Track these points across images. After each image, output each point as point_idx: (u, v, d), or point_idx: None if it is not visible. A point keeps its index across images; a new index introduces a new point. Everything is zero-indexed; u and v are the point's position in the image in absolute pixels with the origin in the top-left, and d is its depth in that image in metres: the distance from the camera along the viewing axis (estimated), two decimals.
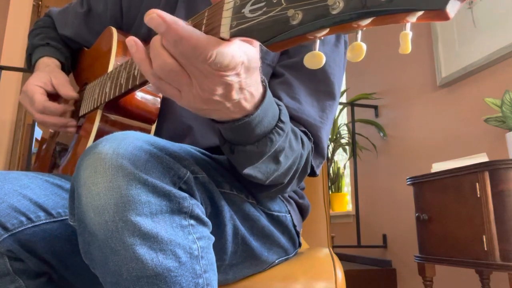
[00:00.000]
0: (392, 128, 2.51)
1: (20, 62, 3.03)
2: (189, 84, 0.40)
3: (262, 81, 0.45)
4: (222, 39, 0.37)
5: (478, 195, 1.27)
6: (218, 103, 0.41)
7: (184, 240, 0.44)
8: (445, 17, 0.27)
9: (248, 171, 0.52)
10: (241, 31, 0.35)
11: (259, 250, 0.64)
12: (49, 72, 0.83)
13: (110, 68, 0.72)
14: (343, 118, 3.15)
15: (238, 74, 0.39)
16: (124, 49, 0.76)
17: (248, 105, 0.43)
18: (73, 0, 0.99)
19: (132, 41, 0.41)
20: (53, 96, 0.82)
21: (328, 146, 2.81)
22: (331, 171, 2.93)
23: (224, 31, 0.37)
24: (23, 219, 0.57)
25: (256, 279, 0.70)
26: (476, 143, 1.84)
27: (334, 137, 2.88)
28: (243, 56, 0.38)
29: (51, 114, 0.79)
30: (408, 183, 1.63)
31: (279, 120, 0.49)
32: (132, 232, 0.41)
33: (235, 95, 0.41)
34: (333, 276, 0.72)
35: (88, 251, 0.44)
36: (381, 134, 2.59)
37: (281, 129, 0.49)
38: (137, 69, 0.56)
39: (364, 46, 0.31)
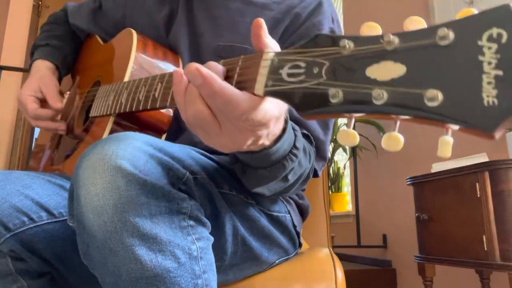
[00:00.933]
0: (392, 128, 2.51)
1: (20, 62, 3.03)
2: (219, 134, 0.39)
3: (285, 118, 0.45)
4: (254, 95, 0.36)
5: (478, 195, 1.27)
6: (245, 148, 0.41)
7: (183, 241, 0.44)
8: (490, 138, 0.26)
9: (257, 190, 0.53)
10: (276, 93, 0.34)
11: (259, 250, 0.64)
12: (38, 80, 0.85)
13: (127, 75, 0.70)
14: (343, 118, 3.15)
15: (268, 127, 0.39)
16: (143, 53, 0.74)
17: (268, 142, 0.43)
18: (75, 1, 1.01)
19: (179, 74, 0.41)
20: (45, 102, 0.85)
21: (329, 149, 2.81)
22: (331, 171, 2.93)
23: (259, 88, 0.36)
24: (25, 219, 0.57)
25: (256, 279, 0.70)
26: (476, 143, 1.84)
27: (334, 137, 2.88)
28: (276, 111, 0.38)
29: (44, 119, 0.82)
30: (408, 183, 1.63)
31: (294, 146, 0.50)
32: (131, 233, 0.41)
33: (261, 141, 0.41)
34: (333, 276, 0.72)
35: (87, 252, 0.44)
36: (381, 134, 2.59)
37: (295, 155, 0.50)
38: (158, 91, 0.54)
39: (401, 138, 0.29)
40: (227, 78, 0.39)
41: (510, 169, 1.22)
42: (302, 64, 0.33)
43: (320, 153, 0.68)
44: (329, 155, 2.88)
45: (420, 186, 1.57)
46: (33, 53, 0.96)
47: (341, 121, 3.06)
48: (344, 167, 3.00)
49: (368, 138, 2.68)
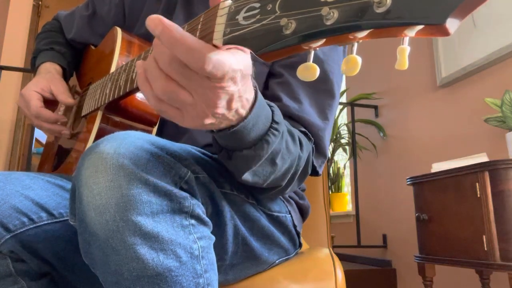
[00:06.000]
0: (392, 128, 2.52)
1: (20, 62, 3.03)
2: (192, 103, 0.39)
3: (254, 85, 0.44)
4: (215, 46, 0.36)
5: (478, 195, 1.27)
6: (222, 116, 0.41)
7: (185, 240, 0.44)
8: (445, 33, 0.26)
9: (246, 176, 0.52)
10: (234, 39, 0.34)
11: (259, 250, 0.64)
12: (49, 79, 0.85)
13: (113, 68, 0.72)
14: (343, 118, 3.16)
15: (236, 83, 0.38)
16: (127, 49, 0.76)
17: (244, 111, 0.43)
18: (75, 1, 1.01)
19: (139, 63, 0.41)
20: (50, 102, 0.84)
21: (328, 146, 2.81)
22: (331, 171, 2.93)
23: (217, 38, 0.36)
24: (25, 220, 0.57)
25: (256, 279, 0.70)
26: (476, 143, 1.84)
27: (334, 137, 2.88)
28: (240, 64, 0.37)
29: (45, 121, 0.81)
30: (408, 183, 1.64)
31: (273, 121, 0.49)
32: (133, 232, 0.41)
33: (235, 104, 0.40)
34: (333, 276, 0.72)
35: (89, 251, 0.44)
36: (381, 134, 2.59)
37: (276, 129, 0.49)
38: (135, 72, 0.56)
39: (359, 59, 0.30)
40: None
41: (510, 169, 1.22)
42: (257, 5, 0.33)
43: (319, 149, 0.67)
44: (329, 152, 2.90)
45: (420, 186, 1.57)
46: (35, 57, 0.96)
47: (341, 121, 3.07)
48: (344, 167, 3.01)
49: (368, 138, 2.68)
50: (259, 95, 0.46)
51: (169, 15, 0.81)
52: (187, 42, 0.35)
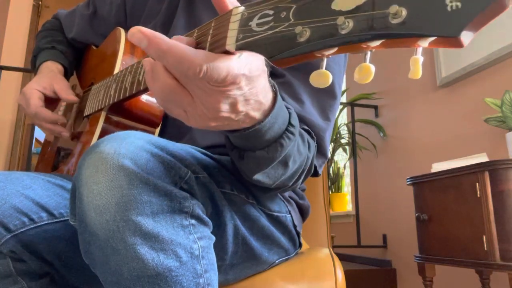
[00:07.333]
0: (392, 128, 2.52)
1: (20, 62, 3.03)
2: (191, 104, 0.38)
3: (272, 86, 0.43)
4: (228, 51, 0.36)
5: (478, 195, 1.27)
6: (226, 119, 0.40)
7: (185, 240, 0.44)
8: (459, 45, 0.26)
9: (257, 177, 0.51)
10: (247, 45, 0.34)
11: (259, 250, 0.64)
12: (51, 77, 0.85)
13: (117, 69, 0.72)
14: (343, 118, 3.16)
15: (240, 88, 0.37)
16: (131, 50, 0.76)
17: (257, 114, 0.42)
18: (75, 1, 1.01)
19: (146, 62, 0.41)
20: (52, 101, 0.83)
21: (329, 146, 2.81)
22: (331, 171, 2.93)
23: (230, 43, 0.36)
24: (25, 219, 0.57)
25: (256, 279, 0.70)
26: (476, 143, 1.84)
27: (334, 137, 2.88)
28: (244, 68, 0.36)
29: (42, 120, 0.81)
30: (408, 183, 1.64)
31: (289, 124, 0.48)
32: (133, 232, 0.41)
33: (241, 107, 0.39)
34: (333, 276, 0.72)
35: (89, 251, 0.44)
36: (381, 134, 2.59)
37: (291, 133, 0.49)
38: (142, 75, 0.56)
39: (372, 68, 0.30)
40: (201, 42, 0.39)
41: (510, 169, 1.22)
42: (270, 12, 0.33)
43: (320, 150, 0.67)
44: (329, 153, 2.90)
45: (420, 186, 1.57)
46: (35, 56, 0.96)
47: (341, 121, 3.07)
48: (344, 167, 3.01)
49: (368, 138, 2.68)
50: (279, 97, 0.44)
51: (171, 16, 0.81)
52: (175, 52, 0.34)
